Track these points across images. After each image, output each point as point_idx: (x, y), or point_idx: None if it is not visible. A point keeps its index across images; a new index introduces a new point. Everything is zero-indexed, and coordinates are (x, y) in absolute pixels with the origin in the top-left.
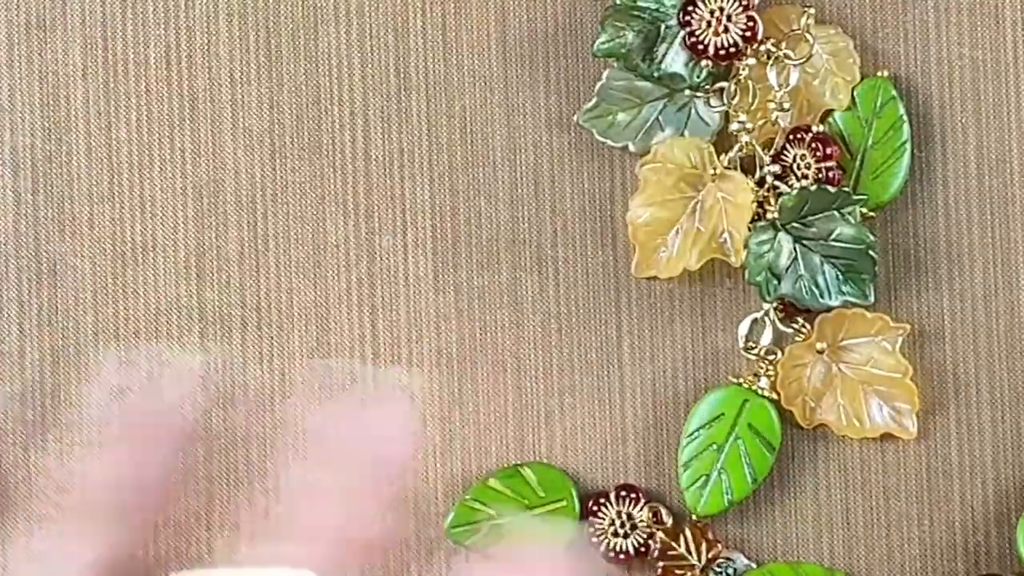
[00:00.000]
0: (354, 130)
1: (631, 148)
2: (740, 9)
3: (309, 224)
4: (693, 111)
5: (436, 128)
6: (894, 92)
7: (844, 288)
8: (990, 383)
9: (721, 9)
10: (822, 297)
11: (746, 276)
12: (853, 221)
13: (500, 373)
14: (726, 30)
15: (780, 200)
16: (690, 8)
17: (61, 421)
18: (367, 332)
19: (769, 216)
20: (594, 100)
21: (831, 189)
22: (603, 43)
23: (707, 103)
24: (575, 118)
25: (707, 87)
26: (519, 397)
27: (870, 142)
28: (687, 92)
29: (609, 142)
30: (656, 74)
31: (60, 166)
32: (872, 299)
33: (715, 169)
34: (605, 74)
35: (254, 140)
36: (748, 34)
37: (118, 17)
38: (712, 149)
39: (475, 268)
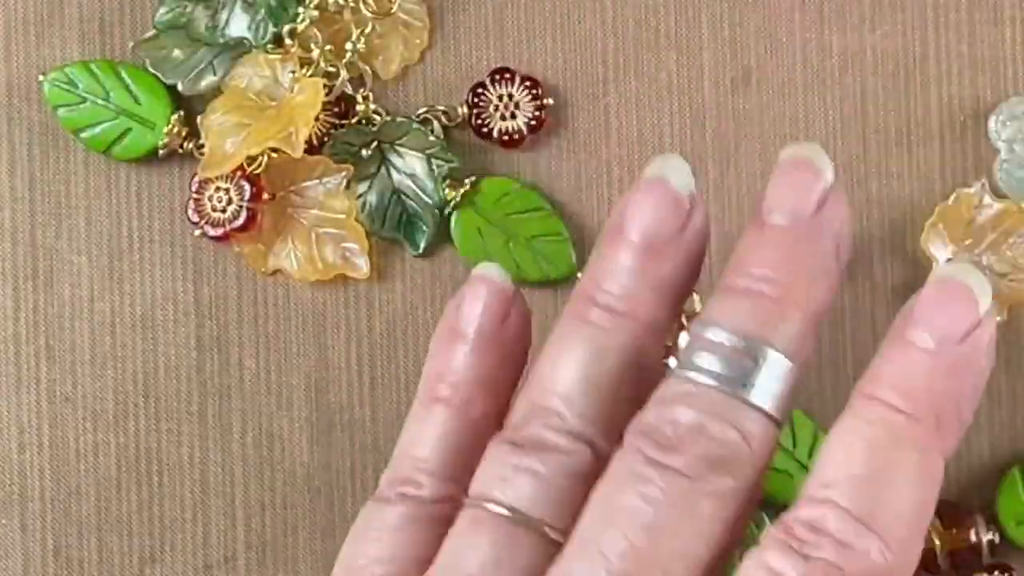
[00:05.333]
0: None
1: (180, 87)
2: None
3: None
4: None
5: None
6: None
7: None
8: None
9: None
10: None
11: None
12: (435, 172)
13: None
14: None
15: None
16: None
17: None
18: (363, 329)
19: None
20: (153, 32)
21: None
22: (163, 15)
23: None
24: (130, 46)
25: (271, 47)
26: None
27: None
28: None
29: (160, 76)
30: (221, 40)
31: (57, 162)
32: (420, 250)
33: (293, 75)
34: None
35: None
36: None
37: (115, 12)
38: (292, 64)
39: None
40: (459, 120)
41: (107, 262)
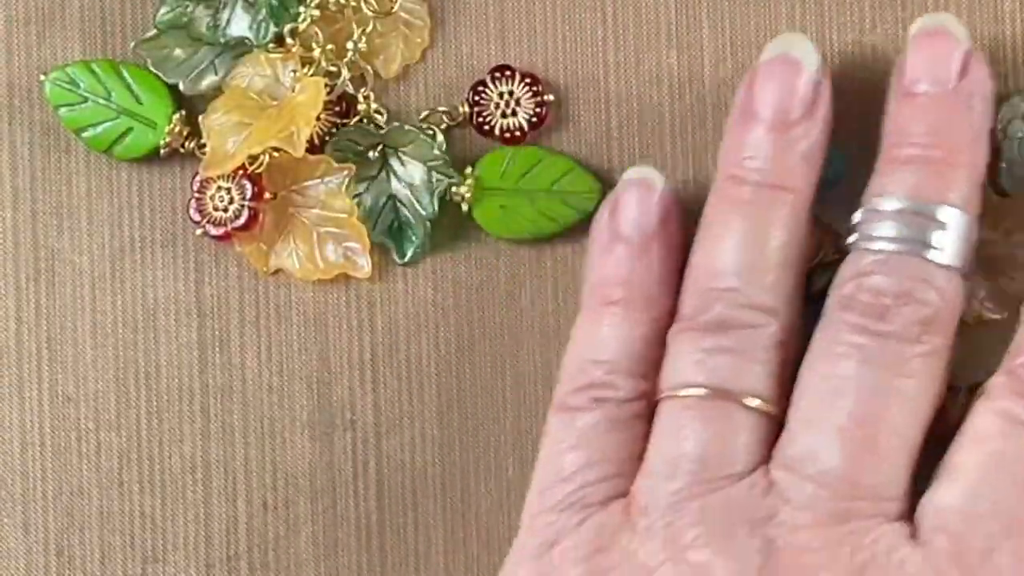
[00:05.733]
0: None
1: (181, 87)
2: None
3: None
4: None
5: None
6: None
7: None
8: None
9: None
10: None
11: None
12: (433, 184)
13: (498, 368)
14: None
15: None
16: None
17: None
18: (365, 328)
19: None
20: (154, 31)
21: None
22: (164, 15)
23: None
24: (131, 45)
25: (272, 47)
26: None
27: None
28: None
29: (162, 75)
30: (222, 39)
31: (58, 161)
32: (406, 260)
33: (295, 74)
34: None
35: None
36: None
37: (117, 12)
38: (294, 63)
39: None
40: (460, 118)
41: (108, 261)
